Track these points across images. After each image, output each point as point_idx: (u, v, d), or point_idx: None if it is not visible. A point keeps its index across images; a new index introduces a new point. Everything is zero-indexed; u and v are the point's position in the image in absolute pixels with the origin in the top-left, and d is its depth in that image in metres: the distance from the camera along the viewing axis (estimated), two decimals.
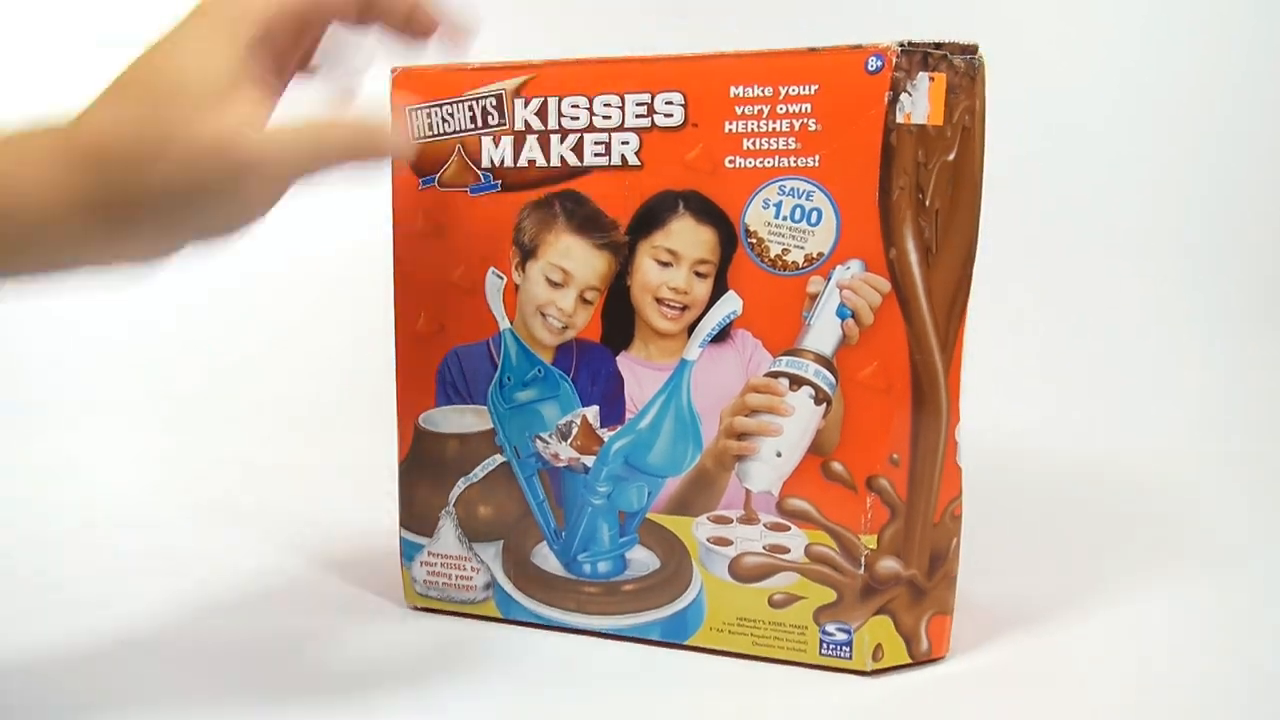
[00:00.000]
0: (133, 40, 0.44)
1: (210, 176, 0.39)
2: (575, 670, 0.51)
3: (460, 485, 0.56)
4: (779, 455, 0.50)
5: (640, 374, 0.52)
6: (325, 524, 0.75)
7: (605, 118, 0.51)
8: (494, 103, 0.53)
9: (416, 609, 0.59)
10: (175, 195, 0.39)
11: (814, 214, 0.48)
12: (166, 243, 0.41)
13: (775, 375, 0.50)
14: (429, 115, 0.55)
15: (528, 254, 0.53)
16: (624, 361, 0.52)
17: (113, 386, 1.03)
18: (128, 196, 0.39)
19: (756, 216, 0.49)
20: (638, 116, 0.51)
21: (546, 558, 0.55)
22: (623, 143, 0.51)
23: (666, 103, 0.50)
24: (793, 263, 0.49)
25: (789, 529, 0.51)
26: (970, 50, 0.48)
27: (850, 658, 0.50)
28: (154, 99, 0.39)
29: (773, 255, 0.49)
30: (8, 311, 1.04)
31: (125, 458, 0.90)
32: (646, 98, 0.50)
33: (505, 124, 0.53)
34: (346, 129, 0.43)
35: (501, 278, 0.54)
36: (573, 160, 0.52)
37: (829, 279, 0.48)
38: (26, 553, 0.69)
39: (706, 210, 0.50)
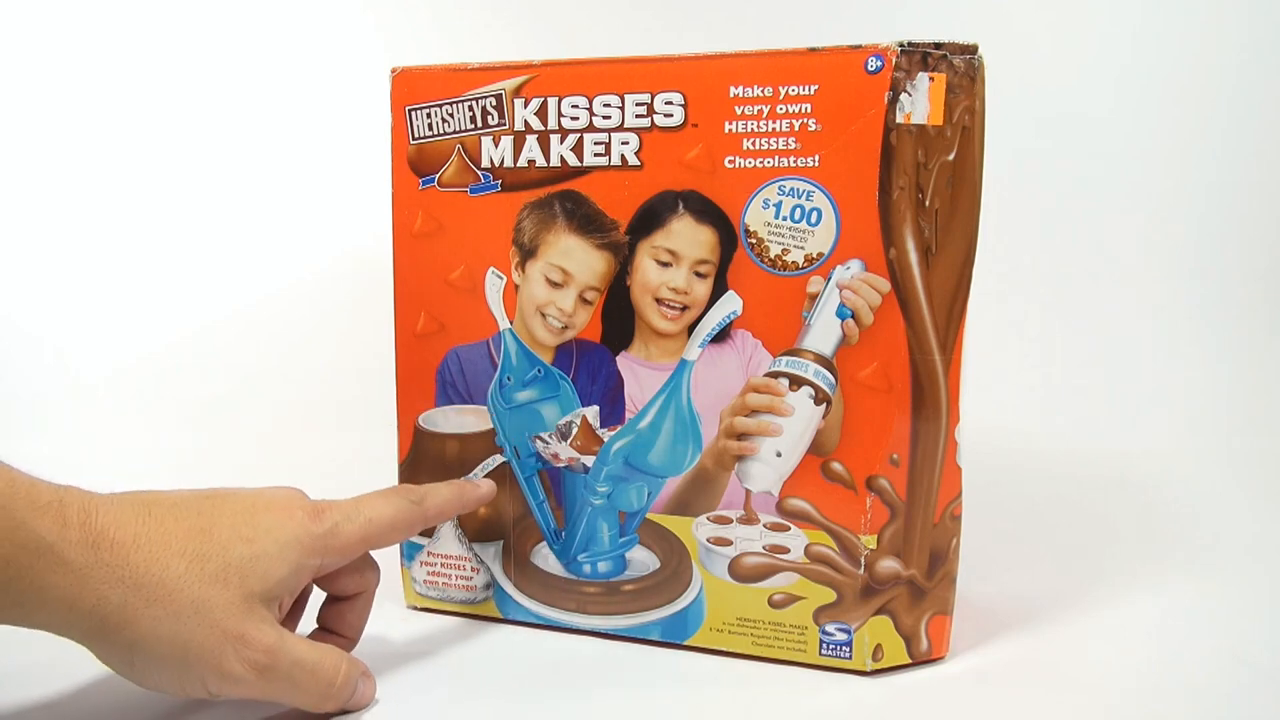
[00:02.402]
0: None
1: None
2: (575, 670, 0.51)
3: None
4: (779, 455, 0.50)
5: (640, 374, 0.52)
6: None
7: (605, 118, 0.51)
8: (494, 103, 0.53)
9: (416, 609, 0.59)
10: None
11: (814, 214, 0.48)
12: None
13: (775, 375, 0.50)
14: (429, 115, 0.55)
15: (528, 254, 0.53)
16: (624, 361, 0.52)
17: (113, 387, 1.03)
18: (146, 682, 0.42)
19: (756, 216, 0.49)
20: (638, 116, 0.51)
21: (546, 558, 0.55)
22: (623, 143, 0.51)
23: (666, 103, 0.50)
24: (793, 263, 0.49)
25: (789, 529, 0.51)
26: (970, 50, 0.48)
27: (850, 658, 0.50)
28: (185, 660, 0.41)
29: (773, 255, 0.49)
30: (9, 312, 1.04)
31: (125, 458, 0.90)
32: (646, 98, 0.50)
33: (505, 124, 0.53)
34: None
35: (501, 278, 0.54)
36: (573, 160, 0.52)
37: (829, 279, 0.48)
38: None
39: (706, 210, 0.50)
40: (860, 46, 0.47)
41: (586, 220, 0.52)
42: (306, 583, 0.45)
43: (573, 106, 0.52)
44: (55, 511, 0.39)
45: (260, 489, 0.46)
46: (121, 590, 0.39)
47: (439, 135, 0.55)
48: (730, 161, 0.49)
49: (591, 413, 0.53)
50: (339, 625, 0.49)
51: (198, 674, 0.41)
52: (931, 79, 0.47)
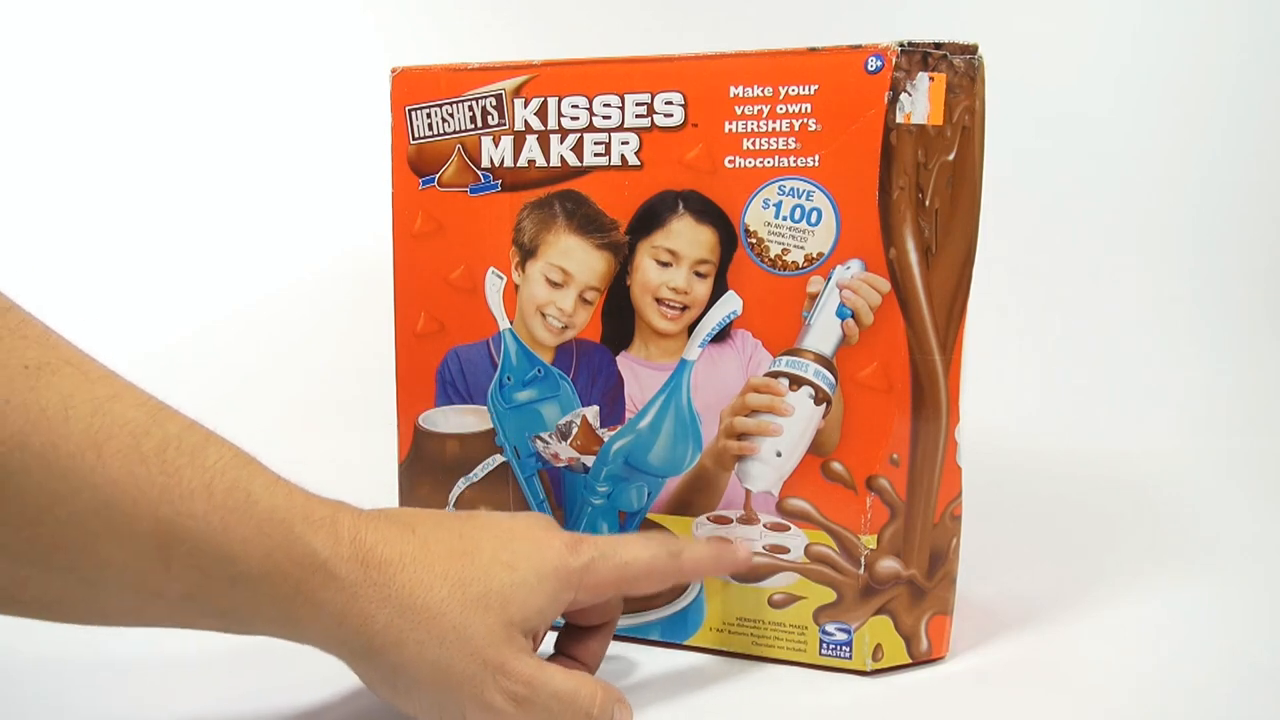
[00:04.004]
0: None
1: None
2: None
3: (460, 485, 0.56)
4: (779, 455, 0.50)
5: (640, 374, 0.52)
6: None
7: (605, 118, 0.51)
8: (494, 103, 0.53)
9: None
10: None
11: (814, 214, 0.48)
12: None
13: (775, 375, 0.50)
14: (429, 115, 0.55)
15: (528, 254, 0.53)
16: (624, 361, 0.52)
17: None
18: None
19: (756, 216, 0.49)
20: (638, 116, 0.51)
21: None
22: (623, 143, 0.51)
23: (666, 103, 0.50)
24: (793, 263, 0.49)
25: (789, 529, 0.51)
26: (970, 50, 0.48)
27: (850, 658, 0.50)
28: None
29: (773, 255, 0.49)
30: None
31: None
32: (646, 98, 0.50)
33: (505, 124, 0.53)
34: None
35: (501, 278, 0.54)
36: (573, 160, 0.52)
37: (829, 279, 0.48)
38: None
39: (706, 210, 0.50)
40: (860, 46, 0.47)
41: (586, 220, 0.52)
42: (559, 614, 0.44)
43: (573, 106, 0.52)
44: (329, 527, 0.38)
45: (515, 515, 0.45)
46: (388, 611, 0.39)
47: (439, 135, 0.55)
48: (730, 161, 0.49)
49: (591, 413, 0.53)
50: (581, 654, 0.48)
51: (457, 702, 0.40)
52: (931, 79, 0.47)
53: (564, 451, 0.54)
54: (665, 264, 0.51)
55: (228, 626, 0.38)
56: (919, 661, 0.51)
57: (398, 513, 0.43)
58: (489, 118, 0.54)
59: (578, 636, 0.48)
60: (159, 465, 0.34)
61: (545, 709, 0.41)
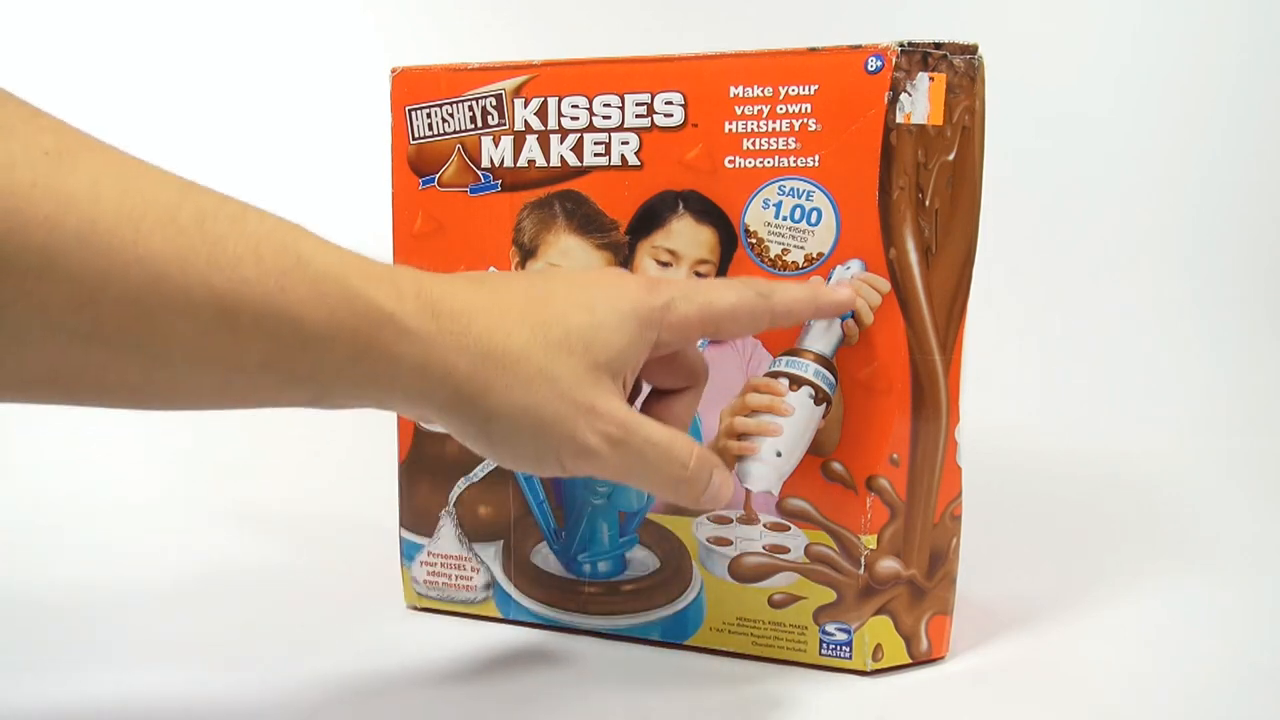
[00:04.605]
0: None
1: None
2: (575, 670, 0.51)
3: (460, 485, 0.56)
4: (779, 455, 0.50)
5: None
6: (325, 524, 0.75)
7: (605, 118, 0.51)
8: (494, 103, 0.53)
9: (416, 609, 0.59)
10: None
11: (814, 214, 0.48)
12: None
13: (775, 375, 0.50)
14: (429, 115, 0.55)
15: (527, 254, 0.53)
16: None
17: None
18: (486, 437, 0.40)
19: (756, 216, 0.49)
20: (638, 116, 0.51)
21: (546, 558, 0.55)
22: (623, 143, 0.51)
23: (666, 103, 0.50)
24: (793, 263, 0.49)
25: (789, 529, 0.51)
26: (970, 50, 0.48)
27: (850, 658, 0.50)
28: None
29: (772, 255, 0.49)
30: None
31: (126, 457, 0.90)
32: (646, 98, 0.50)
33: (505, 124, 0.53)
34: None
35: None
36: (572, 160, 0.52)
37: (829, 279, 0.48)
38: (26, 545, 0.69)
39: (706, 210, 0.50)
40: (860, 46, 0.47)
41: (586, 220, 0.52)
42: (645, 358, 0.42)
43: (573, 106, 0.52)
44: (389, 283, 0.37)
45: (584, 267, 0.43)
46: (469, 359, 0.38)
47: (439, 135, 0.55)
48: (730, 161, 0.49)
49: None
50: (667, 418, 0.45)
51: (552, 445, 0.39)
52: (931, 79, 0.47)
53: None
54: (665, 264, 0.51)
55: (317, 397, 0.37)
56: (919, 661, 0.51)
57: (460, 273, 0.41)
58: (489, 118, 0.54)
59: (661, 403, 0.46)
60: (199, 235, 0.33)
61: (639, 453, 0.40)
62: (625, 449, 0.40)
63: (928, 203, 0.48)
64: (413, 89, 0.55)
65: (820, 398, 0.49)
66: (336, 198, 1.09)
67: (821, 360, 0.49)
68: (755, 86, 0.49)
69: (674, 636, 0.54)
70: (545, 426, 0.39)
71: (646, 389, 0.47)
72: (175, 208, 0.33)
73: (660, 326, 0.42)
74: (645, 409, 0.46)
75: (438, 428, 0.40)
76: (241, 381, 0.35)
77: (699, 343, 0.51)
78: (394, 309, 0.37)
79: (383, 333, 0.36)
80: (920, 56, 0.47)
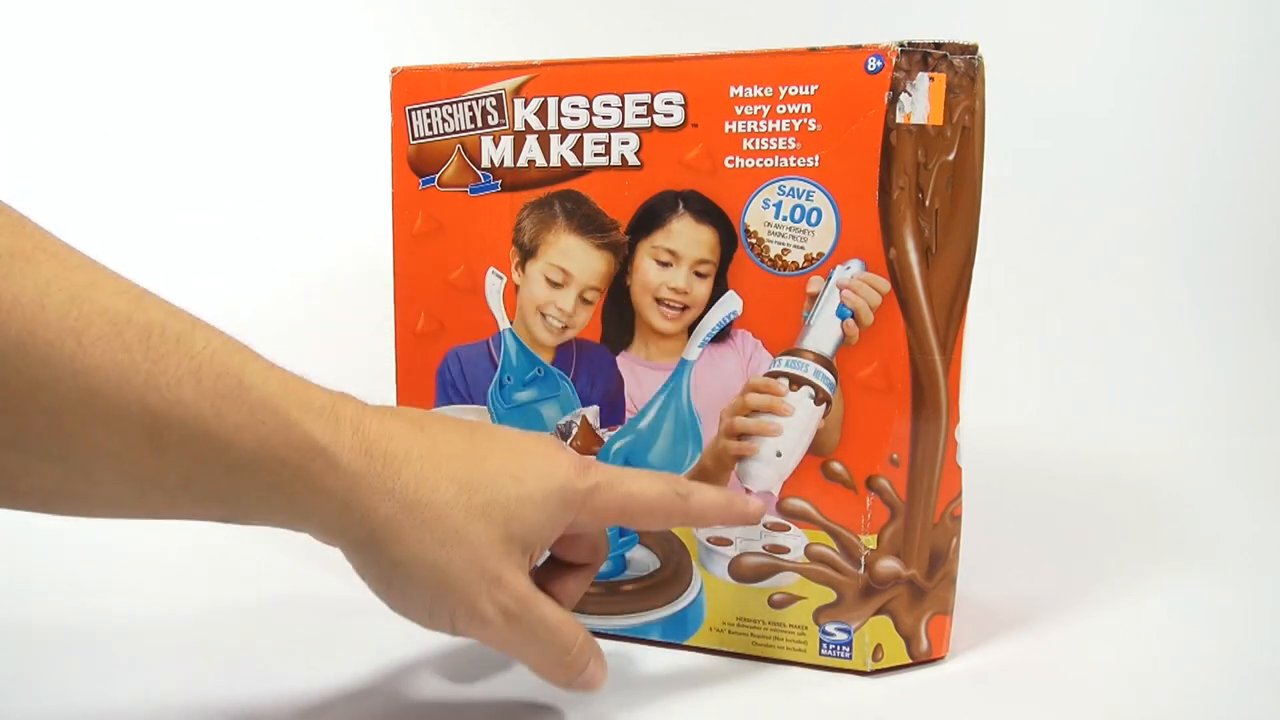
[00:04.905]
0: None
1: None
2: None
3: None
4: (779, 455, 0.50)
5: (640, 374, 0.52)
6: None
7: (605, 118, 0.51)
8: (494, 103, 0.53)
9: None
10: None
11: (814, 214, 0.48)
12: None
13: (775, 375, 0.50)
14: (429, 115, 0.55)
15: (528, 254, 0.53)
16: (624, 361, 0.52)
17: None
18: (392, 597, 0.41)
19: (756, 216, 0.49)
20: (638, 116, 0.51)
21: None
22: (623, 143, 0.51)
23: (666, 103, 0.50)
24: (793, 263, 0.49)
25: (789, 529, 0.51)
26: (970, 50, 0.48)
27: (850, 658, 0.50)
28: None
29: (773, 255, 0.49)
30: None
31: None
32: (646, 98, 0.50)
33: (505, 124, 0.53)
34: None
35: (501, 278, 0.54)
36: (573, 160, 0.52)
37: (829, 279, 0.48)
38: (26, 545, 0.69)
39: (706, 210, 0.50)
40: (860, 46, 0.47)
41: (586, 220, 0.52)
42: (558, 535, 0.43)
43: (573, 106, 0.52)
44: (329, 416, 0.38)
45: (522, 430, 0.44)
46: (391, 504, 0.38)
47: (439, 135, 0.55)
48: (730, 161, 0.49)
49: (591, 413, 0.53)
50: (558, 592, 0.47)
51: (448, 607, 0.40)
52: (931, 79, 0.47)
53: None
54: (665, 264, 0.51)
55: (230, 516, 0.38)
56: (919, 661, 0.51)
57: (402, 410, 0.42)
58: (489, 118, 0.54)
59: (558, 573, 0.47)
60: (143, 352, 0.33)
61: (530, 631, 0.41)
62: (518, 624, 0.41)
63: (928, 203, 0.48)
64: (413, 89, 0.55)
65: (820, 398, 0.49)
66: (336, 198, 1.09)
67: (821, 360, 0.49)
68: (755, 86, 0.49)
69: (674, 636, 0.54)
70: (448, 586, 0.40)
71: (545, 554, 0.47)
72: (124, 321, 0.33)
73: (581, 509, 0.43)
74: (541, 575, 0.47)
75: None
76: (156, 496, 0.36)
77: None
78: (328, 443, 0.37)
79: (312, 465, 0.37)
80: (920, 56, 0.47)
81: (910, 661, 0.51)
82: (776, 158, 0.49)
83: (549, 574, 0.47)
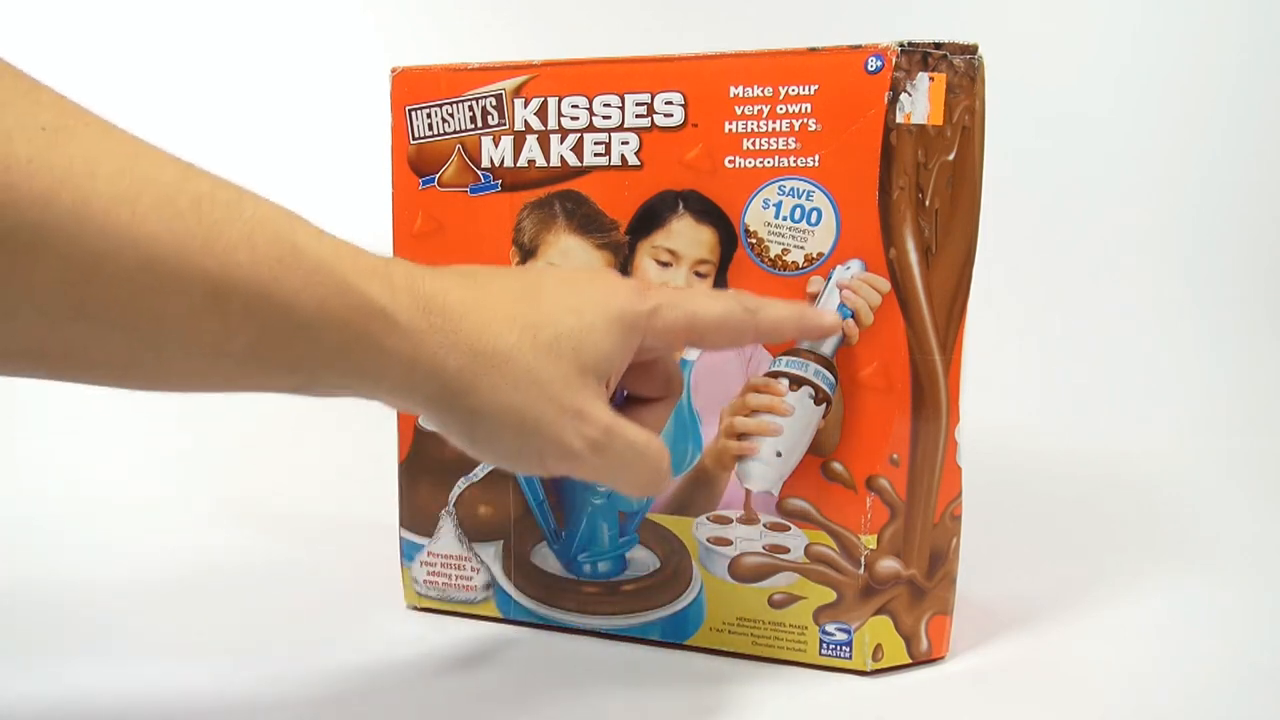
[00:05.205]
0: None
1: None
2: (575, 670, 0.51)
3: (460, 485, 0.56)
4: (779, 455, 0.50)
5: None
6: (325, 524, 0.75)
7: (605, 118, 0.51)
8: (494, 103, 0.53)
9: (416, 609, 0.59)
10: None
11: (814, 214, 0.48)
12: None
13: (775, 375, 0.50)
14: (429, 115, 0.55)
15: (528, 254, 0.53)
16: None
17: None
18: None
19: (756, 216, 0.49)
20: (638, 116, 0.51)
21: (546, 558, 0.55)
22: (622, 143, 0.51)
23: (666, 103, 0.50)
24: (793, 263, 0.49)
25: (789, 529, 0.51)
26: (970, 50, 0.48)
27: (850, 658, 0.50)
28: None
29: (773, 255, 0.49)
30: None
31: (125, 457, 0.90)
32: (646, 98, 0.50)
33: (505, 124, 0.53)
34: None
35: None
36: (573, 160, 0.52)
37: (829, 279, 0.48)
38: (26, 545, 0.69)
39: (706, 210, 0.50)
40: (860, 46, 0.47)
41: (586, 220, 0.52)
42: (629, 362, 0.42)
43: (573, 106, 0.52)
44: (383, 277, 0.37)
45: (572, 267, 0.44)
46: (457, 356, 0.38)
47: (439, 135, 0.55)
48: (730, 161, 0.49)
49: None
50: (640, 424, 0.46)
51: (536, 446, 0.40)
52: (931, 79, 0.47)
53: None
54: (665, 264, 0.51)
55: (302, 385, 0.37)
56: (919, 661, 0.51)
57: (452, 267, 0.41)
58: (489, 118, 0.54)
59: (635, 410, 0.47)
60: (195, 219, 0.33)
61: (620, 457, 0.41)
62: (606, 452, 0.41)
63: (928, 203, 0.48)
64: (413, 89, 0.55)
65: (820, 398, 0.49)
66: (336, 198, 1.09)
67: (821, 360, 0.49)
68: (755, 86, 0.49)
69: (674, 636, 0.54)
70: (531, 427, 0.39)
71: (622, 393, 0.47)
72: (173, 189, 0.33)
73: (646, 331, 0.42)
74: (619, 414, 0.46)
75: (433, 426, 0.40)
76: (227, 365, 0.35)
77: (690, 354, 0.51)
78: (386, 303, 0.37)
79: (373, 326, 0.36)
80: (920, 56, 0.47)
81: (910, 661, 0.51)
82: (776, 158, 0.49)
83: (628, 411, 0.46)
